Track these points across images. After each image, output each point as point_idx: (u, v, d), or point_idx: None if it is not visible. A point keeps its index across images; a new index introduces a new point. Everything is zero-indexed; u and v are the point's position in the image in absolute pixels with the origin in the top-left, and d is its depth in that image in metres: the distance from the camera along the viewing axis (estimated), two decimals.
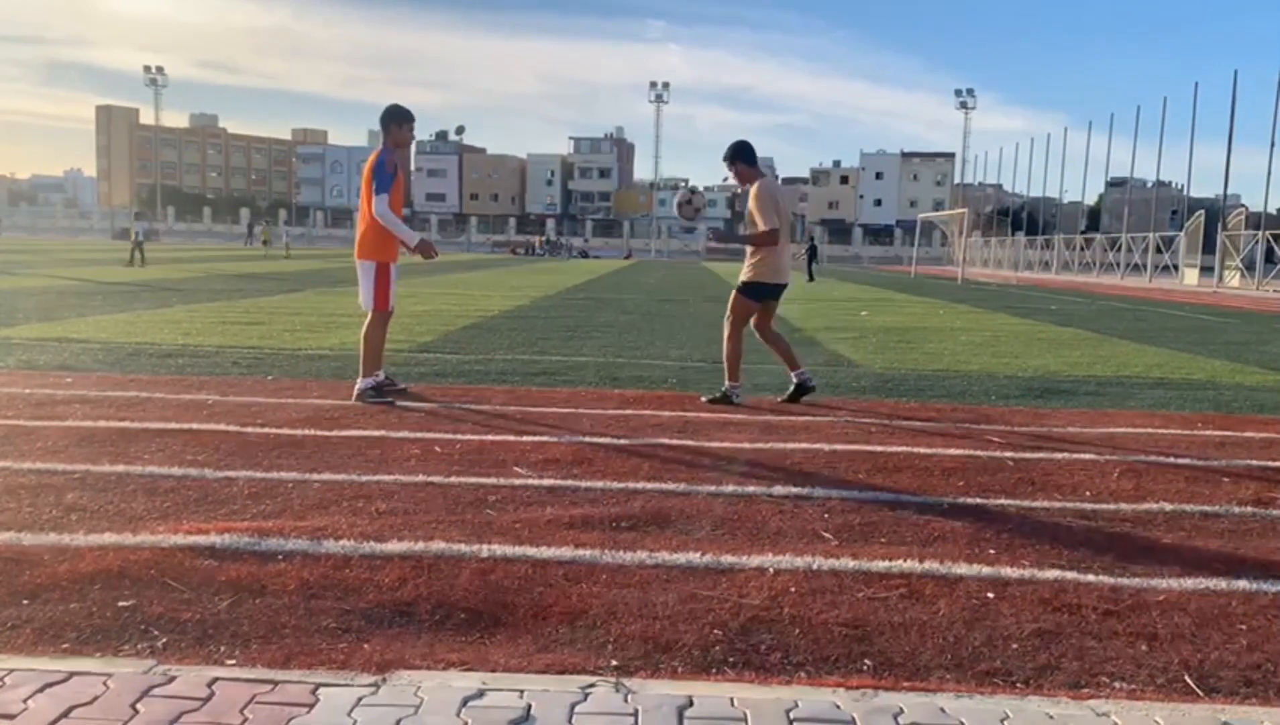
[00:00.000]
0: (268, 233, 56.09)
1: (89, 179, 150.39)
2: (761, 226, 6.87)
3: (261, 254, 46.26)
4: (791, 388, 7.08)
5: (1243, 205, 48.51)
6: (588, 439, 5.58)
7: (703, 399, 7.01)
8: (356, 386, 6.81)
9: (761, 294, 7.03)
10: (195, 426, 5.59)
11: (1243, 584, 3.44)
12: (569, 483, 4.59)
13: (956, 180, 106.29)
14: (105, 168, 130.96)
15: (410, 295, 18.89)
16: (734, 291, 7.13)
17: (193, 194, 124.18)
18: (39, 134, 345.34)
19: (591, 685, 2.54)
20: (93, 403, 6.25)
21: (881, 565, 3.53)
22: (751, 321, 7.14)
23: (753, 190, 6.90)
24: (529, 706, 2.41)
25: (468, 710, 2.39)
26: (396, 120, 6.90)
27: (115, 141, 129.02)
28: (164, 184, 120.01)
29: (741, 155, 7.00)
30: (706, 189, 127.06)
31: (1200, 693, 2.62)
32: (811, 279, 35.51)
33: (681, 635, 2.88)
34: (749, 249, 7.03)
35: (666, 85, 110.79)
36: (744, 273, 7.05)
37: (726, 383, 7.03)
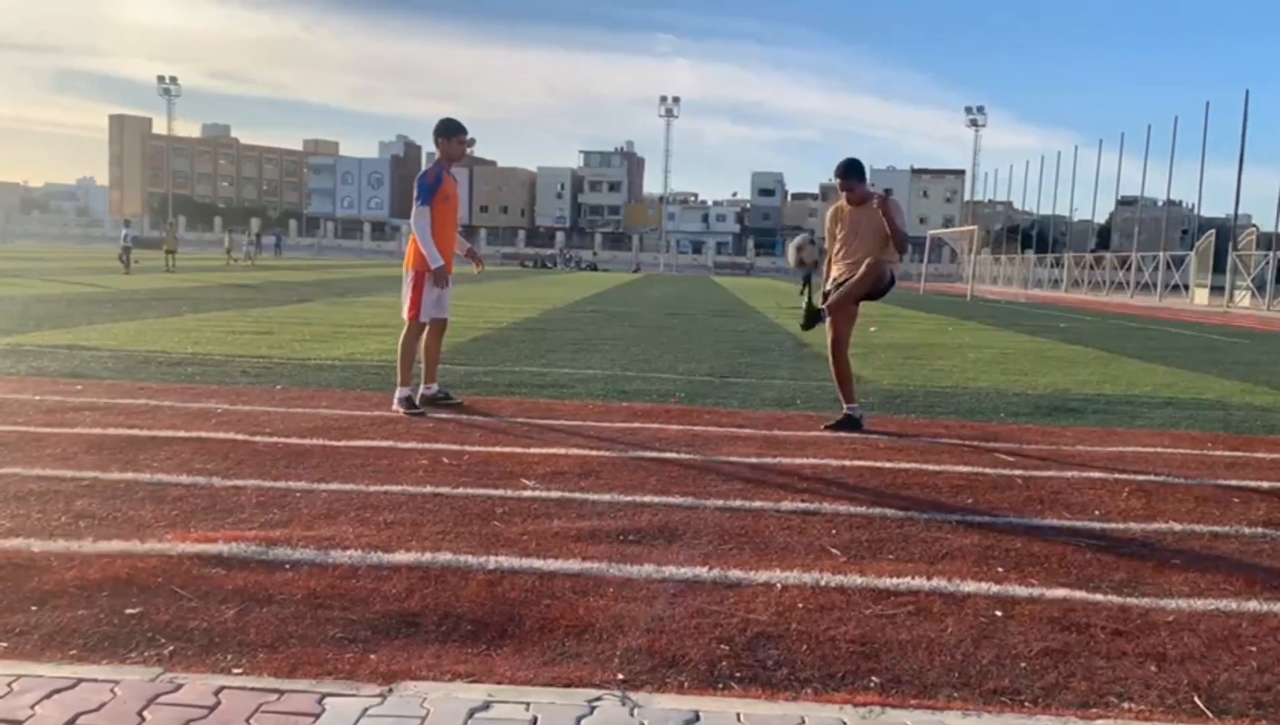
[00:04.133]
0: (231, 241, 50.27)
1: (101, 187, 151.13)
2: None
3: (223, 263, 43.25)
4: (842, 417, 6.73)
5: (1254, 225, 48.35)
6: (595, 452, 5.59)
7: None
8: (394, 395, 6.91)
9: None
10: (204, 435, 5.61)
11: (1253, 605, 3.43)
12: (576, 495, 4.59)
13: (966, 197, 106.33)
14: (118, 176, 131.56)
15: None
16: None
17: (204, 203, 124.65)
18: (52, 142, 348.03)
19: (598, 698, 2.53)
20: (102, 410, 6.27)
21: (889, 582, 3.52)
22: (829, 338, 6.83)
23: (890, 202, 6.52)
24: (535, 719, 2.41)
25: (474, 722, 2.38)
26: (444, 134, 6.76)
27: (128, 151, 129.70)
28: (176, 193, 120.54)
29: (857, 172, 6.65)
30: (715, 203, 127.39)
31: (1210, 714, 2.60)
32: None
33: (688, 649, 2.87)
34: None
35: (677, 100, 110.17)
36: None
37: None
